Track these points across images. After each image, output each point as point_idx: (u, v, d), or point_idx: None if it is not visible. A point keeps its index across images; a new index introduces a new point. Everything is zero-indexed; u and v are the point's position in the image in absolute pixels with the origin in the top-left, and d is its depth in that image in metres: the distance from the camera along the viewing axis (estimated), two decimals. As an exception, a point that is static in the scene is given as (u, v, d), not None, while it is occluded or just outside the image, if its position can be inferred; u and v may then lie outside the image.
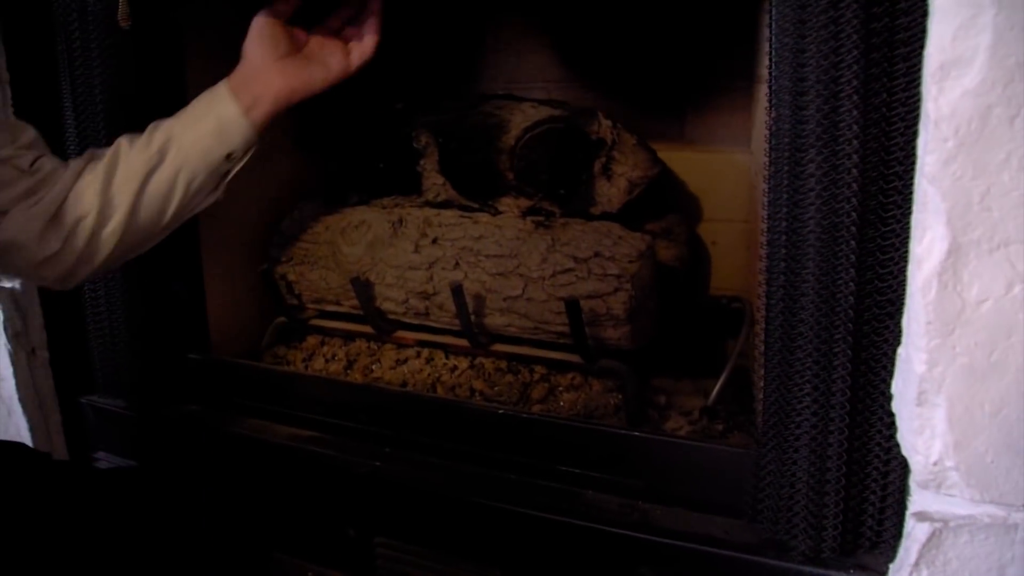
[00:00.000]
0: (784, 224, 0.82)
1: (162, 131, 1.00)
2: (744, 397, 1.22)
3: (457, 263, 1.20)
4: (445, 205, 1.31)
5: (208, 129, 1.00)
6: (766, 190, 0.85)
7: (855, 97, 0.75)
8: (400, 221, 1.27)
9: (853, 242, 0.78)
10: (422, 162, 1.32)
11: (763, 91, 1.11)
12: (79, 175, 1.00)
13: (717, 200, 1.47)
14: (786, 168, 0.81)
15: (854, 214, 0.77)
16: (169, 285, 1.34)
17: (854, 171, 0.76)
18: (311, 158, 1.53)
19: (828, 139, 0.77)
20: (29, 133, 1.01)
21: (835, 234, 0.78)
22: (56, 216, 0.97)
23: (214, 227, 1.39)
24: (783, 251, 0.83)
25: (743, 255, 1.45)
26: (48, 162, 0.99)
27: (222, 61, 1.04)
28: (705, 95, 1.45)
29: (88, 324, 1.37)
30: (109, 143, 1.04)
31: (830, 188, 0.78)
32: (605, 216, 1.26)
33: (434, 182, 1.31)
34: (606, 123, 1.27)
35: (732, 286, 1.47)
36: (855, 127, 0.76)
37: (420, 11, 1.32)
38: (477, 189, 1.30)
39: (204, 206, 1.06)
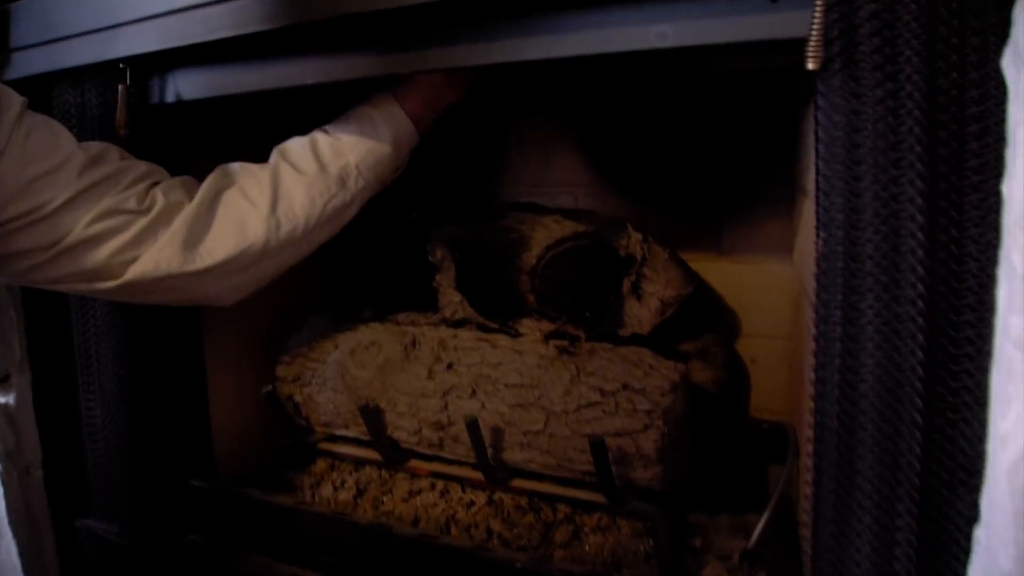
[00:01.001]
0: (837, 377, 0.71)
1: (337, 156, 1.03)
2: (789, 535, 1.10)
3: (474, 391, 1.10)
4: (462, 324, 1.22)
5: (387, 153, 1.05)
6: (815, 336, 0.75)
7: (919, 235, 0.65)
8: (413, 343, 1.18)
9: (919, 400, 0.67)
10: (438, 277, 1.23)
11: (806, 202, 1.03)
12: (218, 192, 1.01)
13: (757, 315, 1.36)
14: (839, 313, 0.71)
15: (920, 369, 0.67)
16: (172, 402, 1.26)
17: (919, 320, 0.66)
18: (323, 268, 1.46)
19: (888, 280, 0.67)
20: (136, 169, 0.98)
21: (897, 392, 0.68)
22: (194, 236, 0.96)
23: (219, 341, 1.33)
24: (836, 409, 0.73)
25: (785, 374, 1.34)
26: (165, 191, 0.98)
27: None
28: (743, 203, 1.35)
29: (85, 443, 1.29)
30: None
31: (891, 339, 0.67)
32: (635, 339, 1.16)
33: (451, 299, 1.22)
34: (636, 236, 1.18)
35: (773, 407, 1.36)
36: (919, 269, 0.66)
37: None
38: (497, 307, 1.20)
39: None
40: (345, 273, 1.46)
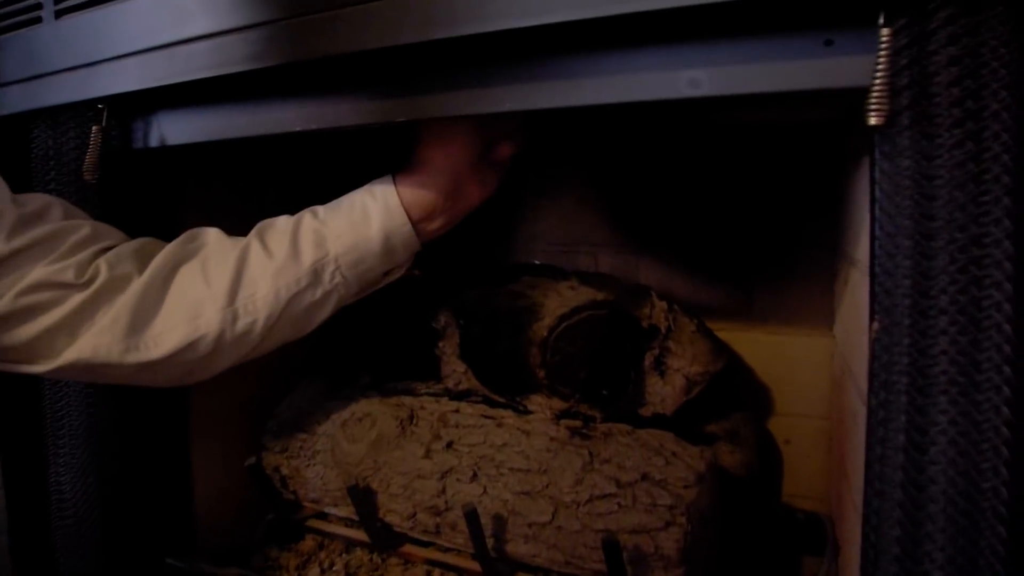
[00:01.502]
0: (899, 493, 0.59)
1: (316, 244, 0.88)
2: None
3: (475, 475, 0.99)
4: (466, 395, 1.10)
5: (374, 252, 0.89)
6: (867, 442, 0.63)
7: (1006, 328, 0.54)
8: (411, 417, 1.06)
9: (1002, 528, 0.55)
10: (441, 344, 1.12)
11: (853, 272, 0.91)
12: (175, 267, 0.88)
13: (792, 391, 1.24)
14: (902, 418, 0.59)
15: (1004, 490, 0.55)
16: (150, 471, 1.15)
17: (1004, 431, 0.54)
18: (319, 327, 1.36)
19: (966, 382, 0.56)
20: (78, 232, 0.86)
21: (975, 519, 0.56)
22: (139, 320, 0.84)
23: (207, 404, 1.23)
24: (896, 515, 0.60)
25: (822, 457, 1.22)
26: (113, 261, 0.86)
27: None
28: (779, 267, 1.23)
29: (52, 510, 1.18)
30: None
31: (969, 454, 0.56)
32: (656, 419, 1.04)
33: (454, 368, 1.11)
34: (660, 305, 1.06)
35: (809, 492, 1.24)
36: (1006, 369, 0.54)
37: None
38: (504, 379, 1.09)
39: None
40: (342, 333, 1.35)
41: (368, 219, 0.88)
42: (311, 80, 0.86)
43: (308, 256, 0.87)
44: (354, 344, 1.26)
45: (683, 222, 1.29)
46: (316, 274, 0.88)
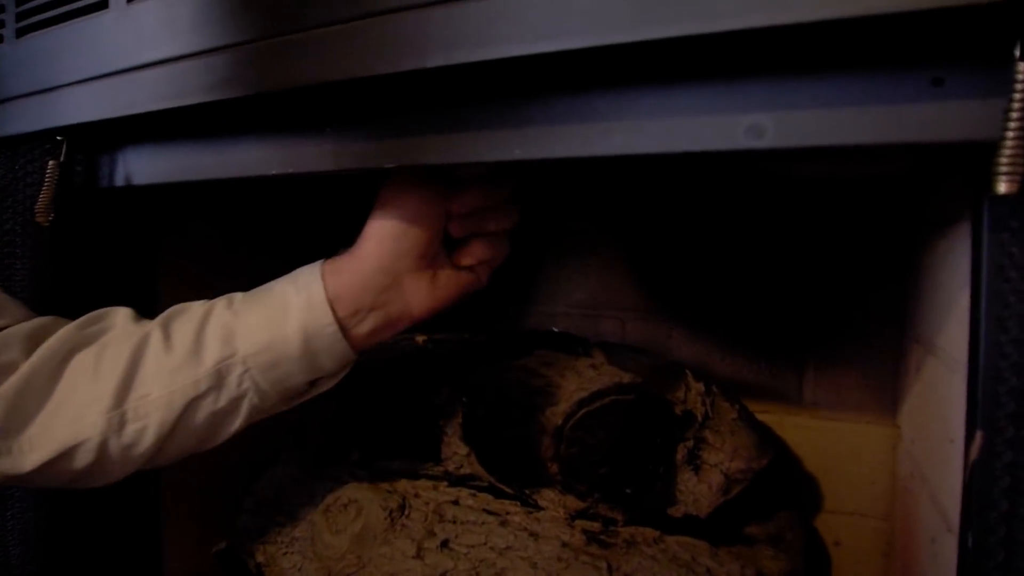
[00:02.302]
0: None
1: (220, 336, 0.72)
2: None
3: (472, 582, 0.83)
4: (467, 480, 0.95)
5: (290, 354, 0.72)
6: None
7: None
8: (402, 507, 0.91)
9: None
10: (442, 422, 0.97)
11: (928, 359, 0.77)
12: (63, 360, 0.73)
13: (844, 486, 1.08)
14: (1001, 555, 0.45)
15: None
16: (114, 552, 1.03)
17: None
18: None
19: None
20: None
21: None
22: (13, 420, 0.70)
23: (178, 475, 1.10)
24: None
25: (878, 564, 1.06)
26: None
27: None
28: (833, 344, 1.08)
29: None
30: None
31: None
32: (688, 521, 0.89)
33: (456, 451, 0.96)
34: (696, 387, 0.91)
35: (862, 605, 1.07)
36: None
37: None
38: (512, 468, 0.93)
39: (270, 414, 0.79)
40: (333, 400, 1.21)
41: (287, 314, 0.72)
42: (290, 116, 0.73)
43: (212, 354, 0.72)
44: (345, 414, 1.11)
45: (723, 286, 1.14)
46: (219, 376, 0.72)
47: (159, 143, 0.86)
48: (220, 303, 0.75)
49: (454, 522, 0.89)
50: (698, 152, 0.52)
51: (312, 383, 0.76)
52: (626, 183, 1.17)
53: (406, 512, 0.91)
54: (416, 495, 0.94)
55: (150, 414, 0.71)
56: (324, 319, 0.71)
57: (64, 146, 0.88)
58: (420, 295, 0.74)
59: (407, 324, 0.76)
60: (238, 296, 0.76)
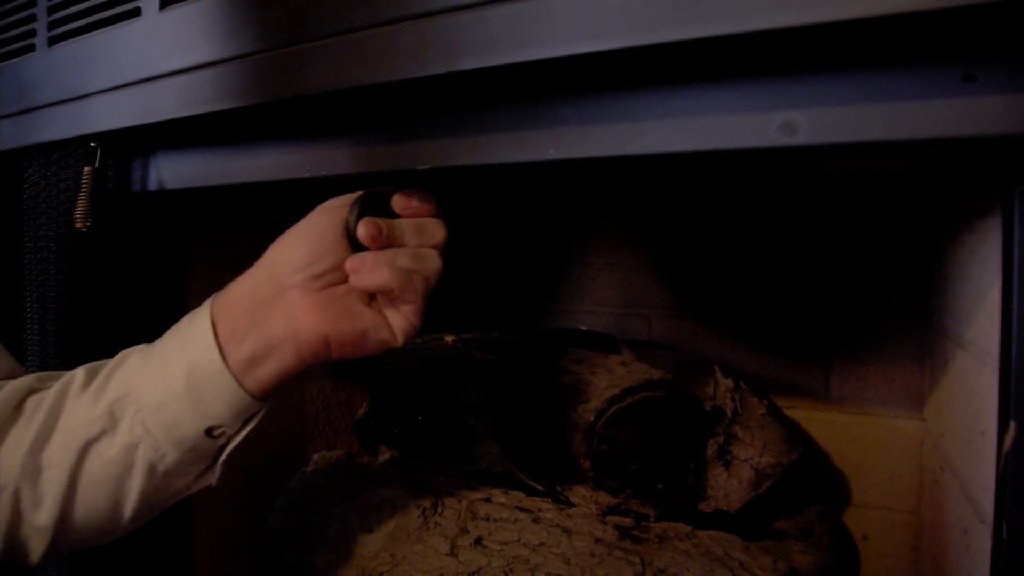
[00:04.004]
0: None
1: (122, 374, 0.64)
2: None
3: (506, 578, 0.84)
4: (498, 479, 0.96)
5: (176, 388, 0.61)
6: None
7: None
8: (435, 506, 0.92)
9: None
10: (472, 421, 0.98)
11: (957, 353, 0.77)
12: (14, 409, 0.65)
13: (872, 480, 1.08)
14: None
15: None
16: (145, 549, 1.02)
17: None
18: (341, 384, 1.23)
19: None
20: None
21: None
22: None
23: None
24: None
25: (907, 557, 1.06)
26: None
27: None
28: (859, 340, 1.08)
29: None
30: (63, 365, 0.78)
31: None
32: (719, 516, 0.89)
33: (487, 449, 0.97)
34: (725, 383, 0.92)
35: (891, 597, 1.07)
36: None
37: (485, 215, 1.03)
38: (543, 464, 0.94)
39: (192, 491, 0.68)
40: (364, 402, 1.22)
41: (174, 346, 0.64)
42: (324, 120, 0.74)
43: (109, 394, 0.63)
44: (376, 415, 1.12)
45: (748, 284, 1.14)
46: (112, 418, 0.62)
47: (190, 148, 0.87)
48: (143, 347, 0.68)
49: (487, 519, 0.89)
50: (732, 150, 0.52)
51: (210, 433, 0.63)
52: (651, 182, 1.17)
53: (439, 510, 0.92)
54: (449, 493, 0.95)
55: (56, 462, 0.63)
56: (204, 345, 0.62)
57: (99, 152, 0.89)
58: (309, 315, 0.62)
59: (293, 351, 0.62)
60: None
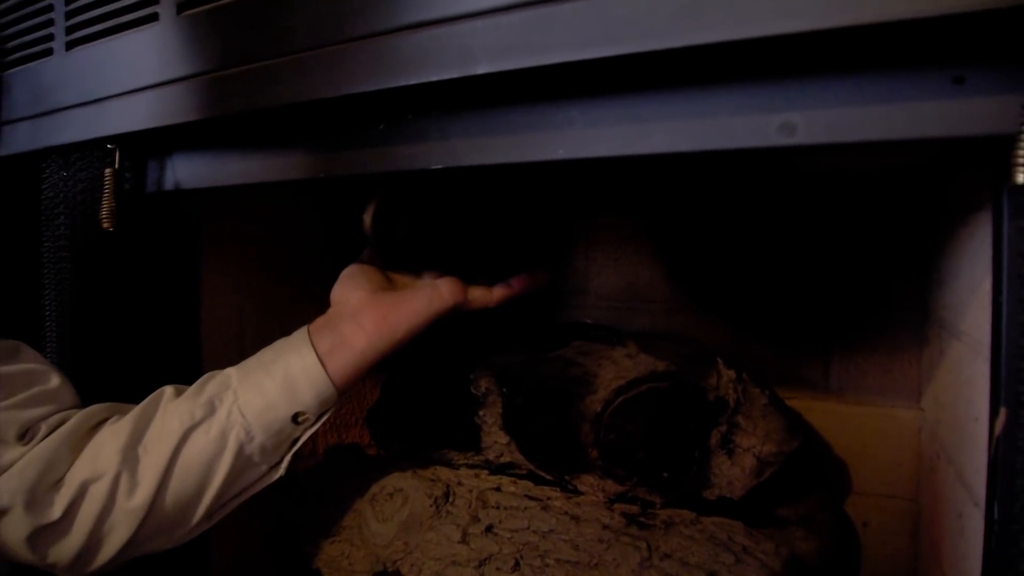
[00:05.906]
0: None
1: (219, 379, 0.79)
2: None
3: (517, 564, 0.87)
4: (507, 469, 0.99)
5: (274, 380, 0.76)
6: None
7: None
8: (446, 495, 0.95)
9: None
10: (481, 413, 1.00)
11: (953, 343, 0.79)
12: (95, 425, 0.77)
13: (871, 468, 1.11)
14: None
15: None
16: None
17: None
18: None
19: None
20: (38, 387, 0.76)
21: None
22: (49, 472, 0.72)
23: None
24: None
25: (905, 543, 1.08)
26: (53, 429, 0.75)
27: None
28: (858, 331, 1.11)
29: None
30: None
31: None
32: (722, 503, 0.92)
33: (496, 440, 0.99)
34: (728, 374, 0.94)
35: (889, 582, 1.10)
36: None
37: (487, 210, 1.05)
38: (551, 454, 0.97)
39: (257, 489, 0.82)
40: (375, 395, 1.25)
41: (272, 350, 0.81)
42: (344, 121, 0.76)
43: (209, 390, 0.78)
44: (386, 407, 1.15)
45: (749, 278, 1.17)
46: (211, 407, 0.76)
47: (206, 149, 0.89)
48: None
49: (497, 508, 0.92)
50: (733, 150, 0.55)
51: (296, 419, 0.78)
52: (655, 178, 1.20)
53: (450, 499, 0.95)
54: (459, 483, 0.97)
55: (156, 448, 0.75)
56: (300, 341, 0.79)
57: (117, 154, 0.91)
58: (365, 304, 0.82)
59: (359, 332, 0.80)
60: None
